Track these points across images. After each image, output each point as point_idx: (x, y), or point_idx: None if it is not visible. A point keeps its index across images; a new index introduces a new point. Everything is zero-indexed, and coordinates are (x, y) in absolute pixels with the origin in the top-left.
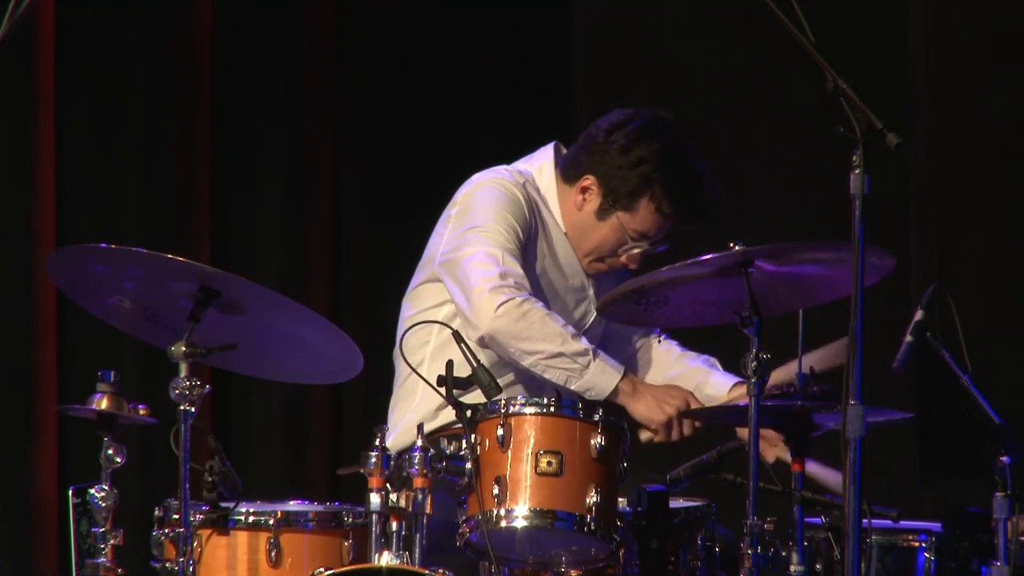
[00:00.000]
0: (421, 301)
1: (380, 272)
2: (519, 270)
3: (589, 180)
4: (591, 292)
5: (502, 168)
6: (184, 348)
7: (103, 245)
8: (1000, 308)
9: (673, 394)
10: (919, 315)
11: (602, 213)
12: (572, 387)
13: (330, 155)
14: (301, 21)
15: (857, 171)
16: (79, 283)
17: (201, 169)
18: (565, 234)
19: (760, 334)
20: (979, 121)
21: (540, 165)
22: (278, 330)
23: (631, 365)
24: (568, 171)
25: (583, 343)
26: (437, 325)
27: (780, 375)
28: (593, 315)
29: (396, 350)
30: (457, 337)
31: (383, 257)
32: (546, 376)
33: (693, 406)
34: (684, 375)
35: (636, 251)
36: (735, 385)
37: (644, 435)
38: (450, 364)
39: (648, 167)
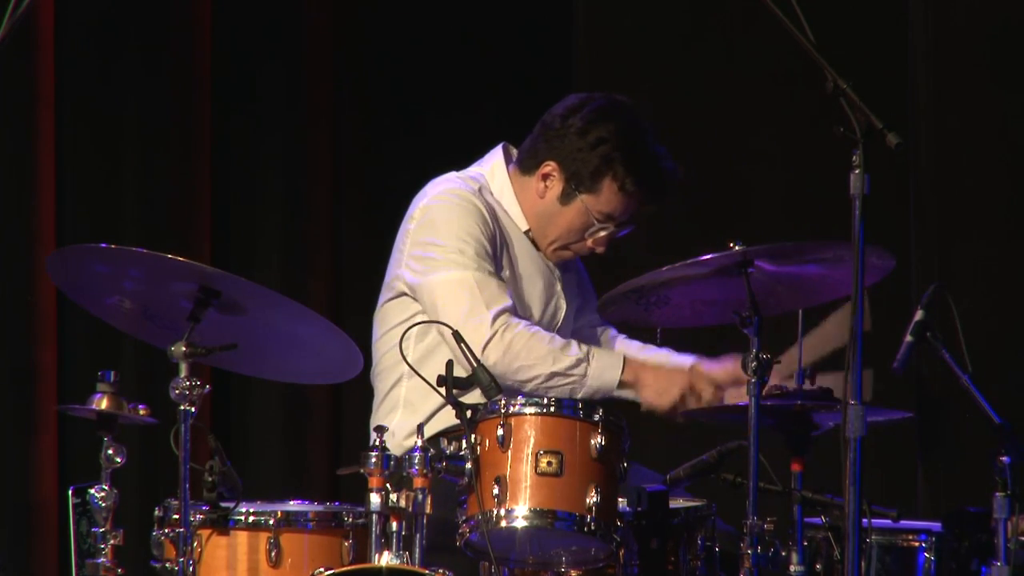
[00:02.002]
0: (388, 320)
1: (380, 272)
2: (493, 284)
3: (550, 166)
4: (559, 288)
5: (454, 176)
6: (184, 348)
7: (103, 245)
8: (1000, 308)
9: (675, 379)
10: (919, 315)
11: (566, 198)
12: (580, 396)
13: (330, 155)
14: (301, 20)
15: (857, 171)
16: (79, 283)
17: (201, 169)
18: (526, 232)
19: (760, 334)
20: (979, 121)
21: (491, 167)
22: (278, 330)
23: None
24: (527, 161)
25: (572, 354)
26: (400, 347)
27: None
28: (564, 310)
29: (374, 370)
30: (457, 337)
31: (383, 257)
32: (551, 394)
33: (697, 385)
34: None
35: (602, 234)
36: (697, 360)
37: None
38: (450, 364)
39: (608, 147)
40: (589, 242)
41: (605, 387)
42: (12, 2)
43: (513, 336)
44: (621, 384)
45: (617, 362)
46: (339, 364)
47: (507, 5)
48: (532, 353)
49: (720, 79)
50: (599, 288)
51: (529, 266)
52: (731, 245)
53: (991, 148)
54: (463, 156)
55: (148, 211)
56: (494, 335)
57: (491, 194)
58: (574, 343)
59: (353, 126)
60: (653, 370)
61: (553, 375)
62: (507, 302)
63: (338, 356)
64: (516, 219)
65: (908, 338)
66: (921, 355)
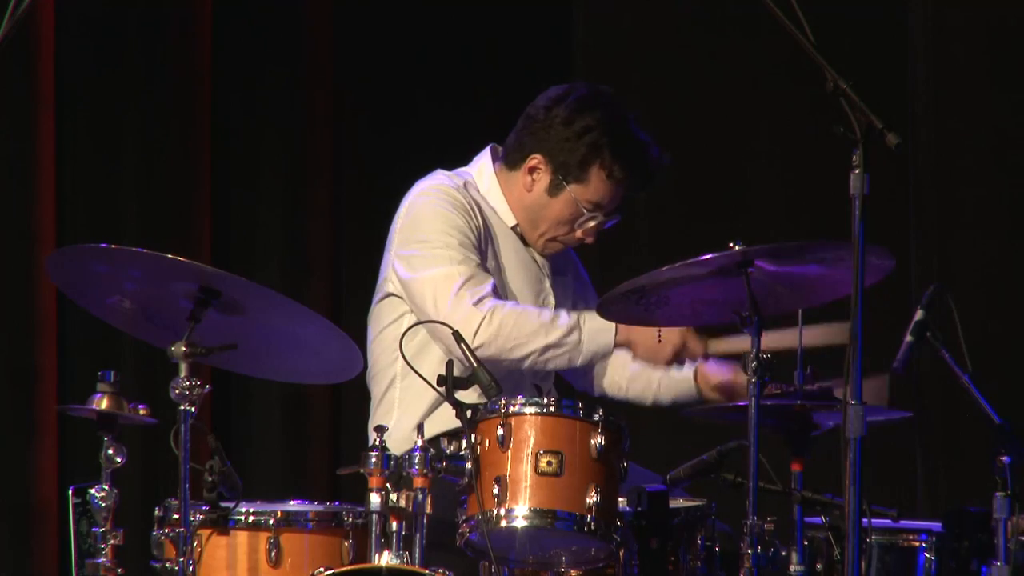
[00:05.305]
0: (380, 322)
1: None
2: (477, 272)
3: (536, 159)
4: (547, 284)
5: (440, 173)
6: (184, 348)
7: (103, 245)
8: (1000, 308)
9: (667, 337)
10: (919, 315)
11: (554, 189)
12: (579, 364)
13: (330, 155)
14: (301, 20)
15: (857, 171)
16: (79, 283)
17: (201, 169)
18: (513, 228)
19: (760, 334)
20: (979, 121)
21: (479, 167)
22: (278, 330)
23: (596, 365)
24: (512, 156)
25: (563, 323)
26: (400, 346)
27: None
28: (552, 307)
29: (369, 372)
30: (457, 337)
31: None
32: (549, 367)
33: (690, 343)
34: (646, 368)
35: (592, 224)
36: (701, 360)
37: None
38: (450, 364)
39: (595, 135)
40: (578, 232)
41: (601, 350)
42: (12, 2)
43: (502, 317)
44: (617, 346)
45: (609, 324)
46: (339, 364)
47: (507, 5)
48: (523, 330)
49: (720, 78)
50: (599, 288)
51: (515, 262)
52: (731, 245)
53: (991, 147)
54: (464, 156)
55: (148, 211)
56: (482, 321)
57: (477, 191)
58: (563, 312)
59: (353, 126)
60: (643, 329)
61: (547, 347)
62: (487, 288)
63: (338, 356)
64: (503, 215)
65: (908, 338)
66: (921, 355)
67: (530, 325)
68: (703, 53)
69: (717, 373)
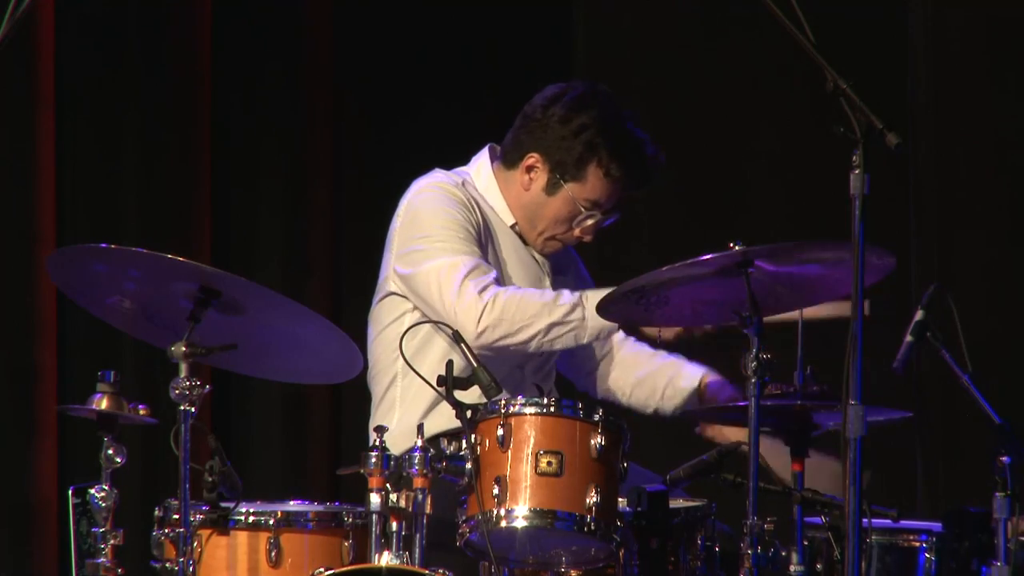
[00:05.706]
0: (380, 321)
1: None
2: (480, 263)
3: (534, 158)
4: (548, 283)
5: (438, 171)
6: (184, 348)
7: (103, 245)
8: (1000, 308)
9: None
10: (919, 315)
11: (551, 188)
12: (585, 341)
13: (330, 155)
14: (301, 20)
15: (857, 171)
16: (79, 283)
17: (201, 169)
18: (512, 227)
19: (760, 334)
20: (979, 121)
21: (477, 166)
22: (278, 330)
23: (600, 368)
24: (510, 155)
25: (565, 300)
26: (400, 345)
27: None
28: None
29: (369, 372)
30: (457, 337)
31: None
32: (556, 347)
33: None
34: (655, 373)
35: (590, 222)
36: (706, 373)
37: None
38: (450, 364)
39: (591, 133)
40: (577, 231)
41: (607, 327)
42: (12, 2)
43: (504, 301)
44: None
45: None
46: (339, 364)
47: (507, 5)
48: (527, 311)
49: (720, 79)
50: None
51: (515, 260)
52: (731, 245)
53: (991, 148)
54: (464, 156)
55: (148, 211)
56: (485, 306)
57: (476, 189)
58: (565, 291)
59: (353, 126)
60: None
61: (552, 326)
62: (491, 277)
63: (338, 356)
64: (502, 214)
65: (908, 338)
66: (921, 355)
67: (533, 306)
68: (703, 53)
69: (719, 393)
